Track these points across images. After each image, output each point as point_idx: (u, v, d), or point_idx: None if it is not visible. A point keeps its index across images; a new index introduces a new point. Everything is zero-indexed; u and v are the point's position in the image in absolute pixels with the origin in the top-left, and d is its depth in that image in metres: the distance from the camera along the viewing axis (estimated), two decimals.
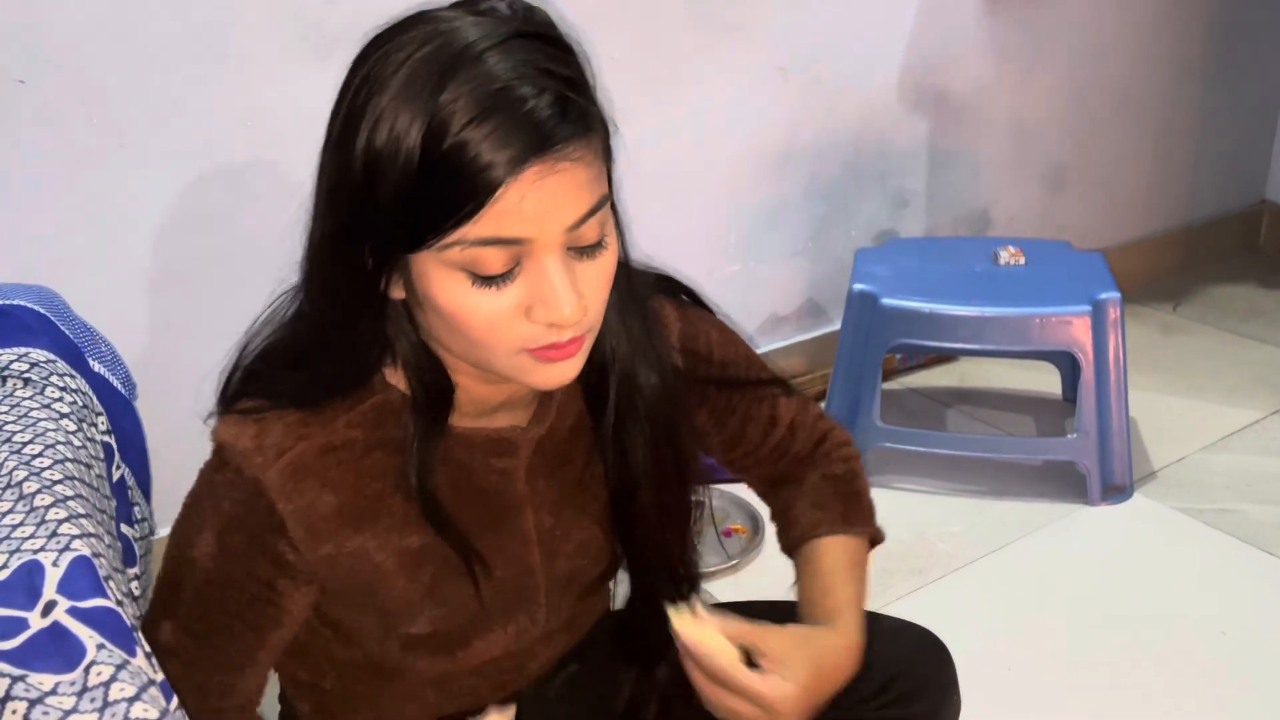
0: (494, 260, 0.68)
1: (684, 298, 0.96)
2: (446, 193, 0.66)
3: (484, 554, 0.84)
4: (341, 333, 0.75)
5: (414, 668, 0.88)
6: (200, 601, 0.80)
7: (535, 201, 0.67)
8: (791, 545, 1.00)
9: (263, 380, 0.80)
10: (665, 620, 0.85)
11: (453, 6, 0.73)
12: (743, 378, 0.97)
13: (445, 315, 0.71)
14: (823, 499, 0.99)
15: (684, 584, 0.94)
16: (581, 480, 0.90)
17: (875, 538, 1.01)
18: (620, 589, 1.04)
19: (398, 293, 0.74)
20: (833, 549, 0.96)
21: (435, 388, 0.79)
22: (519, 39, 0.68)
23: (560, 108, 0.67)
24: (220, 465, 0.79)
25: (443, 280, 0.70)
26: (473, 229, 0.67)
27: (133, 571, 1.00)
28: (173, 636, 0.81)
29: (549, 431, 0.87)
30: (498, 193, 0.65)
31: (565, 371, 0.75)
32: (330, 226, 0.72)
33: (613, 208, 0.76)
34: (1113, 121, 2.78)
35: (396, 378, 0.80)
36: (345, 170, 0.69)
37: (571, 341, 0.73)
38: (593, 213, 0.70)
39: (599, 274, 0.73)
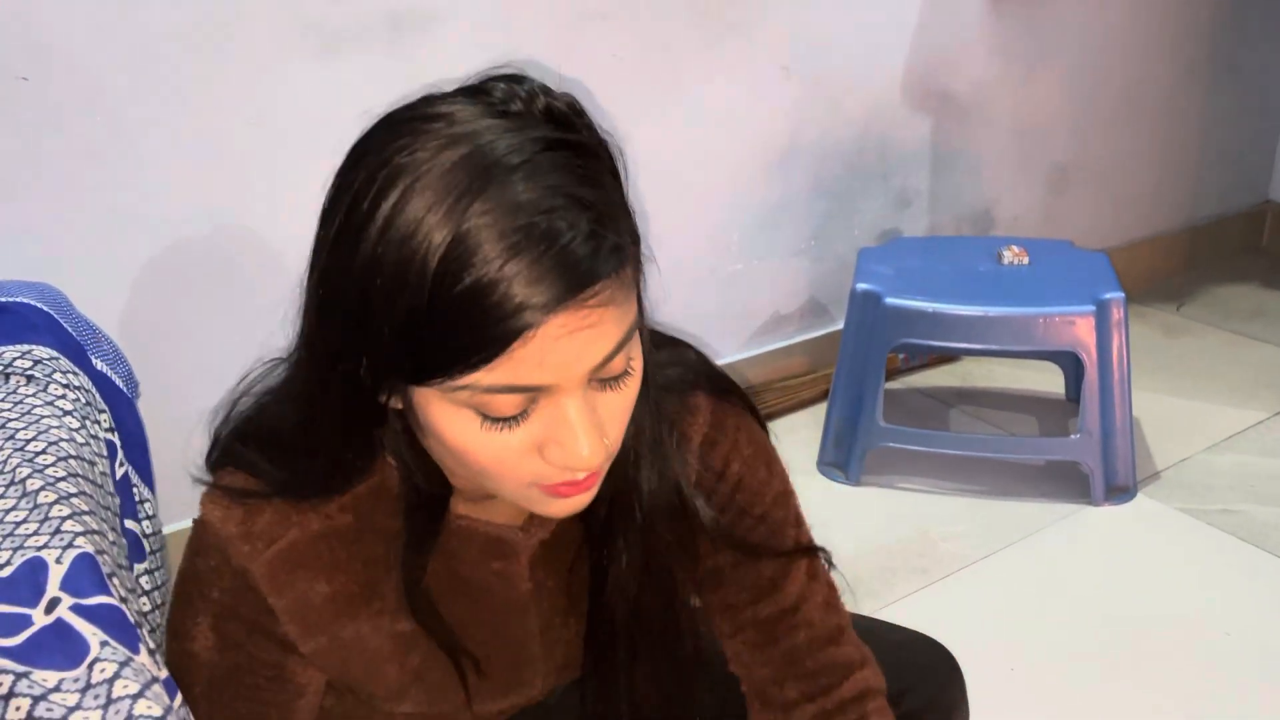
0: (507, 405, 0.60)
1: (723, 390, 0.82)
2: (460, 334, 0.56)
3: (480, 645, 0.79)
4: (331, 436, 0.69)
5: None
6: (213, 694, 0.76)
7: (560, 352, 0.58)
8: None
9: (249, 458, 0.73)
10: None
11: (464, 94, 0.63)
12: (755, 536, 0.80)
13: (449, 449, 0.64)
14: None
15: None
16: (576, 585, 0.82)
17: None
18: None
19: (396, 404, 0.66)
20: None
21: (430, 494, 0.73)
22: (548, 154, 0.59)
23: (594, 245, 0.58)
24: (205, 548, 0.74)
25: (448, 416, 0.62)
26: (486, 376, 0.58)
27: (142, 567, 1.00)
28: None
29: (550, 537, 0.80)
30: (517, 342, 0.57)
31: (576, 504, 0.68)
32: (323, 331, 0.63)
33: (641, 329, 0.66)
34: (1116, 121, 2.78)
35: (387, 464, 0.73)
36: (343, 279, 0.60)
37: (587, 479, 0.66)
38: (620, 348, 0.61)
39: (621, 403, 0.65)
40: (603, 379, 0.63)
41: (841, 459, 2.08)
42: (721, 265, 2.24)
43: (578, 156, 0.60)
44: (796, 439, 2.19)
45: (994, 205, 2.64)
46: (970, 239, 2.46)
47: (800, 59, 2.16)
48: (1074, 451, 1.99)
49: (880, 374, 1.99)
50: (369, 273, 0.58)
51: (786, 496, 0.83)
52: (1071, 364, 2.30)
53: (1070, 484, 2.02)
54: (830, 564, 0.85)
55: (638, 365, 0.66)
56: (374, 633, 0.77)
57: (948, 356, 2.52)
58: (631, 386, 0.65)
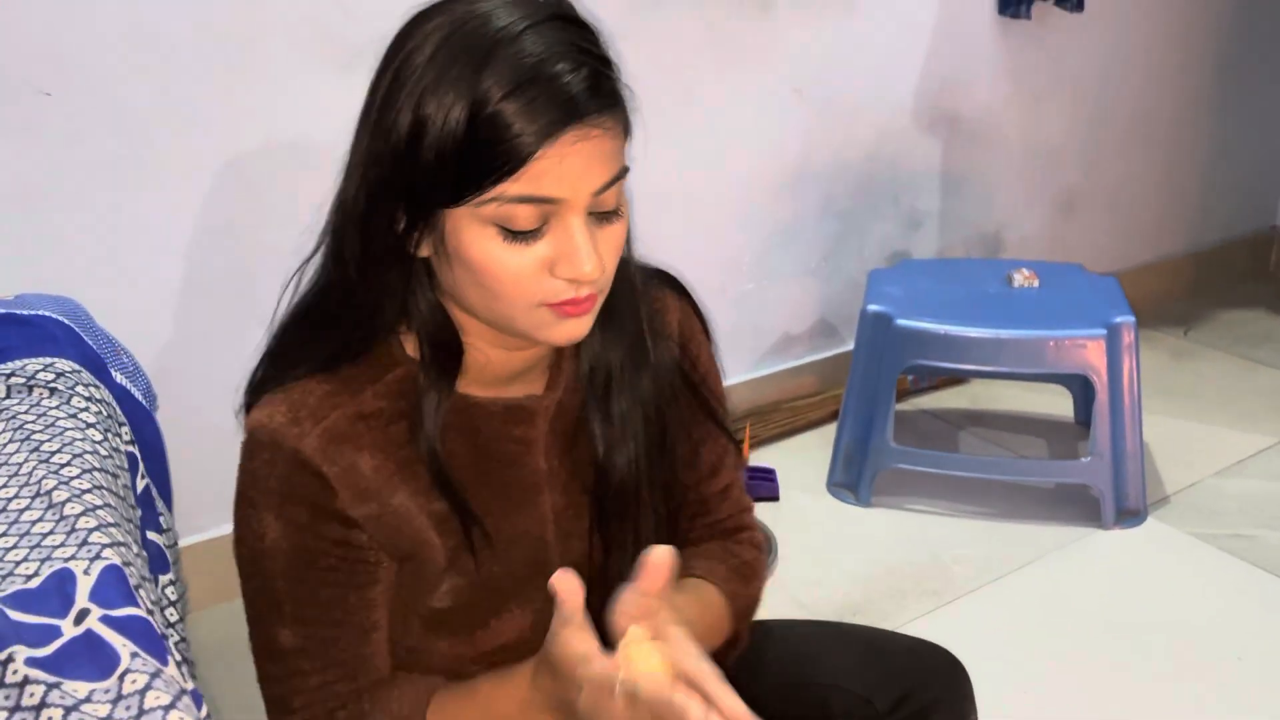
0: (526, 217, 0.73)
1: (686, 299, 0.97)
2: (489, 156, 0.71)
3: (500, 529, 0.86)
4: (365, 288, 0.79)
5: (433, 650, 0.88)
6: (295, 587, 0.81)
7: (570, 165, 0.72)
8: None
9: (285, 357, 0.82)
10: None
11: None
12: (713, 405, 0.97)
13: (474, 268, 0.75)
14: (720, 571, 0.96)
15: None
16: (591, 462, 0.91)
17: (738, 638, 0.97)
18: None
19: (425, 251, 0.78)
20: (708, 597, 0.93)
21: (446, 346, 0.82)
22: (553, 20, 0.74)
23: (594, 82, 0.73)
24: (255, 451, 0.80)
25: (475, 235, 0.74)
26: (511, 187, 0.72)
27: (166, 578, 1.00)
28: (292, 636, 0.82)
29: (560, 407, 0.89)
30: (537, 154, 0.71)
31: (578, 328, 0.79)
32: (367, 186, 0.76)
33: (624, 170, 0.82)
34: (1124, 146, 2.79)
35: (415, 349, 0.83)
36: (387, 135, 0.74)
37: (587, 298, 0.77)
38: (615, 180, 0.76)
39: (614, 240, 0.78)
40: (600, 213, 0.76)
41: (851, 480, 2.08)
42: (732, 285, 2.24)
43: (581, 28, 0.76)
44: (806, 459, 2.19)
45: (1003, 228, 2.65)
46: (980, 261, 2.47)
47: (812, 82, 2.17)
48: (1085, 475, 1.99)
49: (891, 395, 1.99)
50: (411, 125, 0.72)
51: (721, 379, 1.00)
52: (1081, 387, 2.30)
53: (1080, 507, 2.02)
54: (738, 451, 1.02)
55: (625, 212, 0.79)
56: (416, 509, 0.83)
57: (957, 378, 2.52)
58: (620, 228, 0.78)
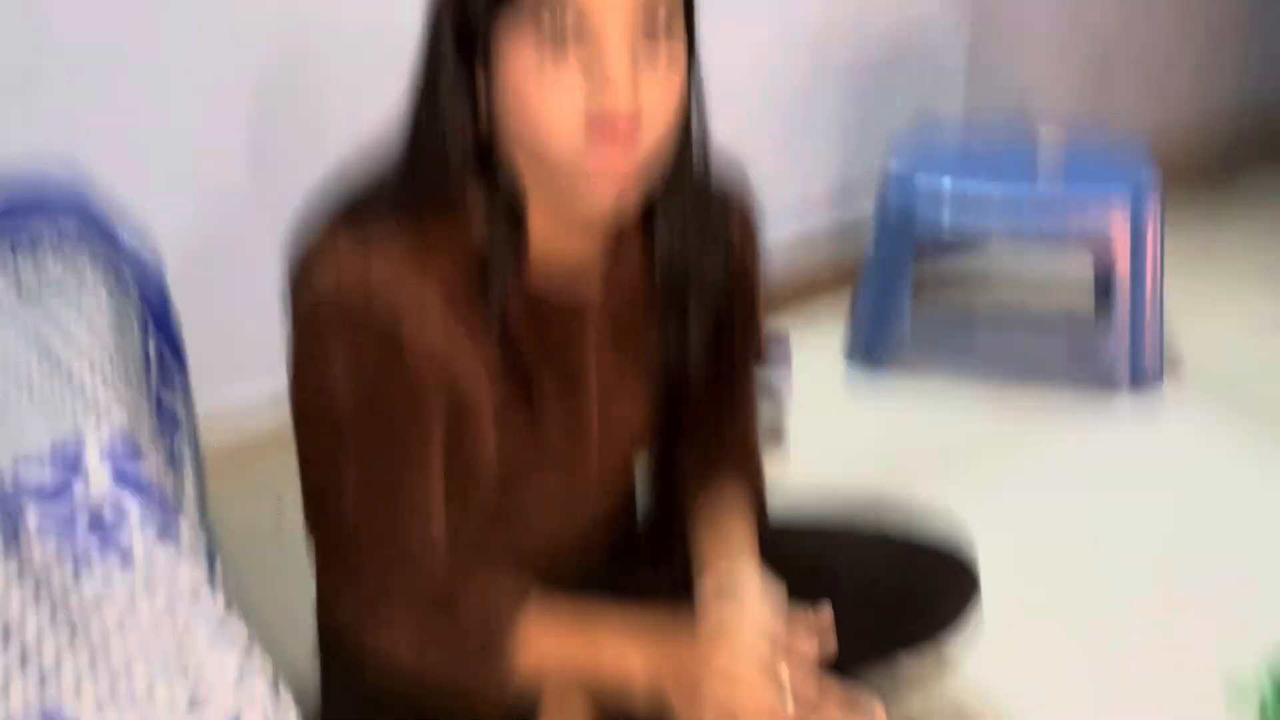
0: (558, 11, 0.72)
1: (749, 205, 0.97)
2: None
3: (547, 395, 0.86)
4: (431, 123, 0.79)
5: (464, 529, 0.88)
6: (362, 423, 0.80)
7: None
8: (703, 508, 0.98)
9: (348, 194, 0.81)
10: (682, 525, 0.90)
11: None
12: (755, 331, 0.98)
13: (512, 87, 0.75)
14: (744, 508, 0.99)
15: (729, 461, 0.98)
16: (642, 350, 0.92)
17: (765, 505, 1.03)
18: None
19: (482, 93, 0.77)
20: (740, 522, 0.97)
21: (514, 195, 0.81)
22: None
23: None
24: (319, 274, 0.78)
25: (514, 53, 0.74)
26: None
27: (180, 436, 1.02)
28: (358, 478, 0.81)
29: (614, 307, 0.89)
30: None
31: (618, 184, 0.77)
32: (432, 19, 0.78)
33: (692, 49, 0.80)
34: (1160, 1, 2.67)
35: (478, 200, 0.81)
36: None
37: (626, 135, 0.74)
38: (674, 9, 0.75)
39: (660, 87, 0.75)
40: (648, 34, 0.74)
41: (869, 348, 2.07)
42: (751, 146, 2.19)
43: None
44: (821, 328, 2.17)
45: (1032, 89, 2.56)
46: (1005, 123, 2.40)
47: None
48: (1103, 339, 1.97)
49: (910, 258, 1.97)
50: None
51: (763, 297, 1.00)
52: (1104, 251, 2.26)
53: (1098, 372, 2.00)
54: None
55: (679, 62, 0.77)
56: (474, 350, 0.82)
57: (978, 244, 2.48)
58: (670, 78, 0.76)
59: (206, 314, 1.68)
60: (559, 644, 0.85)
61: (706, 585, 0.90)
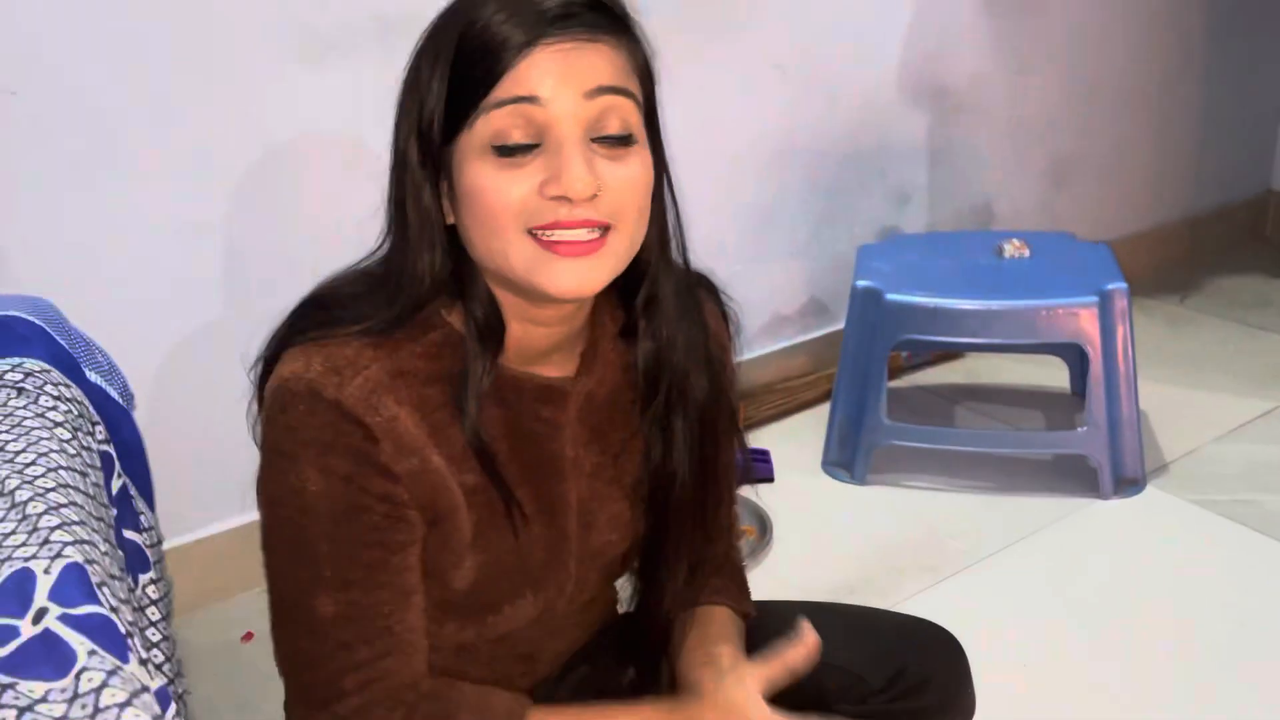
0: (515, 127, 0.73)
1: (721, 305, 0.98)
2: (476, 66, 0.74)
3: (526, 518, 0.85)
4: (404, 252, 0.79)
5: (439, 634, 0.86)
6: (338, 546, 0.77)
7: (554, 65, 0.73)
8: (682, 603, 0.98)
9: (319, 315, 0.81)
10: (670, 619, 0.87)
11: None
12: (737, 419, 0.97)
13: (471, 197, 0.75)
14: (732, 591, 1.01)
15: (699, 571, 0.97)
16: (618, 455, 0.91)
17: (749, 614, 1.03)
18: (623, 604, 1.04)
19: (449, 214, 0.79)
20: (725, 617, 0.97)
21: (490, 315, 0.81)
22: None
23: (585, 5, 0.75)
24: (290, 402, 0.76)
25: (474, 164, 0.75)
26: (495, 93, 0.73)
27: (146, 577, 0.99)
28: (333, 602, 0.77)
29: (589, 396, 0.88)
30: (518, 58, 0.73)
31: (573, 274, 0.76)
32: (396, 146, 0.79)
33: (656, 143, 0.82)
34: (1115, 112, 2.76)
35: (454, 317, 0.82)
36: (406, 88, 0.78)
37: (583, 233, 0.75)
38: (612, 92, 0.75)
39: (625, 175, 0.76)
40: (603, 138, 0.75)
41: (846, 458, 2.06)
42: (719, 267, 2.21)
43: None
44: (800, 440, 2.17)
45: (993, 200, 2.62)
46: (970, 234, 2.44)
47: (794, 58, 2.15)
48: (1081, 445, 1.97)
49: (883, 371, 1.97)
50: (414, 72, 0.77)
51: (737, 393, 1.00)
52: (1076, 357, 2.28)
53: (1079, 478, 2.00)
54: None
55: (644, 156, 0.78)
56: (451, 473, 0.81)
57: (951, 353, 2.50)
58: (636, 168, 0.77)
59: (175, 450, 1.67)
60: None
61: (694, 659, 0.90)
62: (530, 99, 0.73)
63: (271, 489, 0.79)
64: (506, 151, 0.74)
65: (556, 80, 0.73)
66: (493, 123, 0.73)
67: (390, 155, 0.80)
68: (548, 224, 0.74)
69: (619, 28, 0.78)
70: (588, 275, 0.76)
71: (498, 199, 0.74)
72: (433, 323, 0.81)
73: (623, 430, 0.91)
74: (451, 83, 0.75)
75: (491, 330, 0.81)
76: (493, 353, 0.81)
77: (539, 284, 0.76)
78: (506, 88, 0.73)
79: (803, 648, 0.85)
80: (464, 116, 0.74)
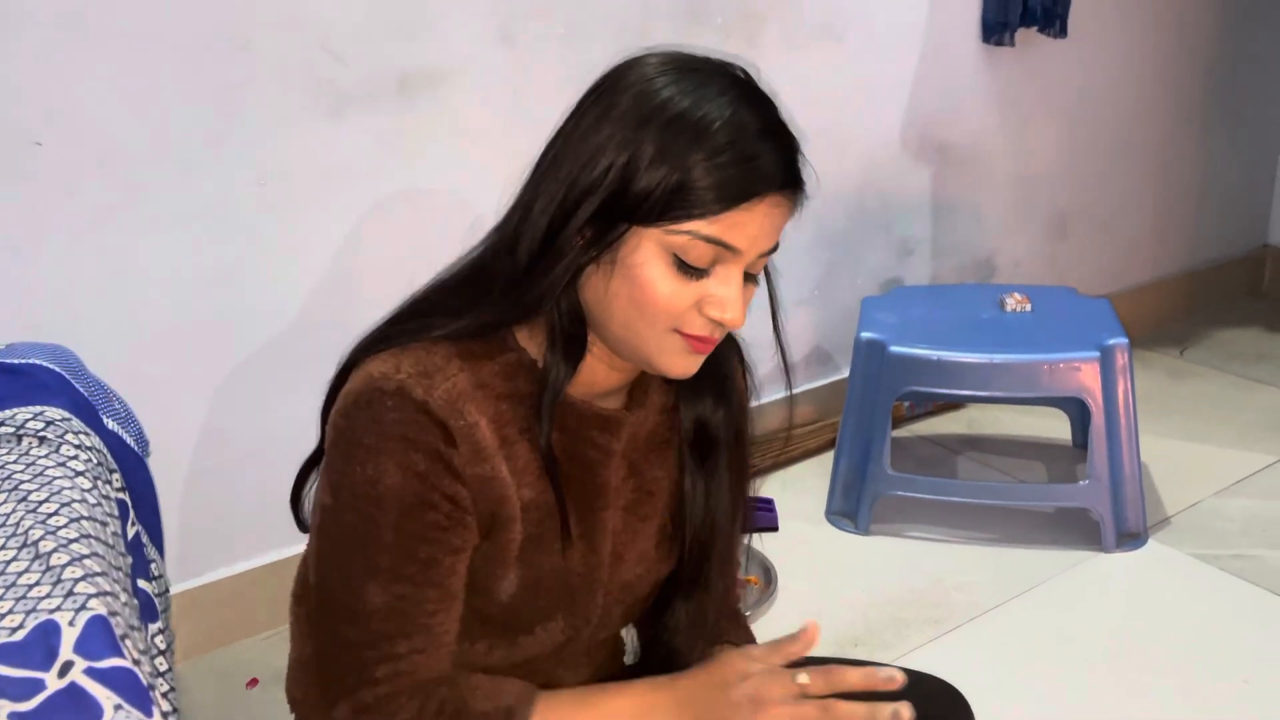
0: (702, 256, 0.80)
1: (743, 363, 1.03)
2: (699, 199, 0.78)
3: (573, 539, 0.89)
4: (531, 279, 0.83)
5: (469, 652, 0.89)
6: (400, 538, 0.81)
7: (757, 224, 0.80)
8: (690, 645, 1.01)
9: (414, 323, 0.85)
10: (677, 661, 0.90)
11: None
12: (750, 472, 1.02)
13: (638, 284, 0.81)
14: (728, 625, 1.04)
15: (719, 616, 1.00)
16: (651, 493, 0.95)
17: None
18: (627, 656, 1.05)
19: (594, 259, 0.82)
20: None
21: (575, 341, 0.86)
22: (753, 91, 0.83)
23: (794, 161, 0.82)
24: (377, 398, 0.81)
25: (651, 255, 0.80)
26: (706, 228, 0.79)
27: (155, 627, 1.00)
28: (382, 593, 0.81)
29: (634, 431, 0.93)
30: (738, 207, 0.78)
31: (695, 363, 0.85)
32: (563, 199, 0.81)
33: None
34: (1114, 168, 2.80)
35: (529, 343, 0.87)
36: (593, 164, 0.80)
37: (714, 340, 0.84)
38: (775, 249, 0.84)
39: (749, 299, 0.86)
40: (751, 274, 0.84)
41: (850, 508, 2.07)
42: None
43: (771, 103, 0.84)
44: (804, 488, 2.18)
45: (995, 253, 2.65)
46: (973, 286, 2.47)
47: (800, 112, 2.18)
48: (1083, 498, 1.98)
49: (887, 422, 1.99)
50: (633, 155, 0.78)
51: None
52: (1078, 410, 2.30)
53: (1081, 531, 2.01)
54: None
55: (760, 280, 0.87)
56: (511, 487, 0.85)
57: (953, 404, 2.52)
58: (753, 292, 0.86)
59: (183, 495, 1.68)
60: (577, 714, 0.85)
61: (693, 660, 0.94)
62: (732, 250, 0.79)
63: (343, 477, 0.82)
64: (686, 268, 0.80)
65: (756, 237, 0.80)
66: (690, 243, 0.79)
67: (544, 184, 0.82)
68: (698, 335, 0.82)
69: (804, 179, 0.84)
70: (699, 363, 0.85)
71: (662, 299, 0.80)
72: (509, 344, 0.86)
73: (658, 469, 0.95)
74: (669, 187, 0.78)
75: (573, 354, 0.87)
76: (569, 376, 0.87)
77: (663, 366, 0.84)
78: (719, 229, 0.78)
79: (803, 638, 0.86)
80: (666, 218, 0.78)
